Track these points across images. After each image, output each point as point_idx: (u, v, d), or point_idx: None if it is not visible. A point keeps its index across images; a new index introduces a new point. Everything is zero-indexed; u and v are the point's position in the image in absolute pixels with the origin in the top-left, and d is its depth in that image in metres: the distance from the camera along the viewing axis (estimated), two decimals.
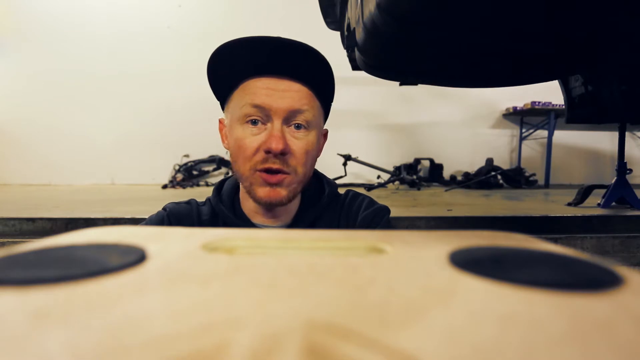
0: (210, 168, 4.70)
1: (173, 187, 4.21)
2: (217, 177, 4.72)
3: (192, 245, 0.20)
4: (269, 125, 0.54)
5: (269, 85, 0.53)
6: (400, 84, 1.99)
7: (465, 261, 0.18)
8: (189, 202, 0.63)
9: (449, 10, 1.07)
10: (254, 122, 0.54)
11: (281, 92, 0.53)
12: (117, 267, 0.16)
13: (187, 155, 4.64)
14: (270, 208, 0.58)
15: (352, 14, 1.41)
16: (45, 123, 4.51)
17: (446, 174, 4.62)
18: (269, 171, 0.54)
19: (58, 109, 4.52)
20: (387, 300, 0.13)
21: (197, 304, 0.13)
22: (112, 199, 2.83)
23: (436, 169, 4.53)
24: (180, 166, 4.56)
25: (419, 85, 1.95)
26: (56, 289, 0.14)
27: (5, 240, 1.66)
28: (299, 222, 0.61)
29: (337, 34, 1.96)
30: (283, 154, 0.53)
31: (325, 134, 0.64)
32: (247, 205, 0.61)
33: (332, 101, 0.61)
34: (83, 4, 4.53)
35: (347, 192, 0.67)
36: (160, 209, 0.62)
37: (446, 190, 3.80)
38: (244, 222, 0.60)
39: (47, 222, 1.79)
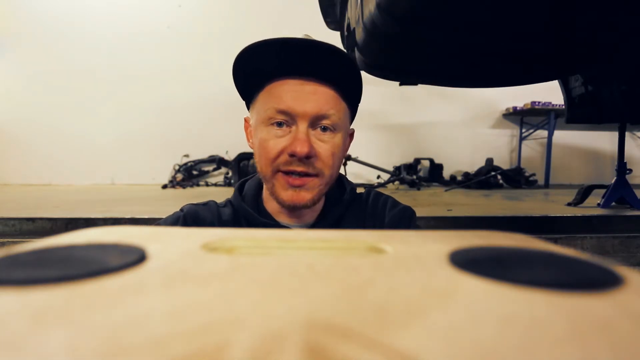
0: (210, 168, 4.70)
1: (173, 187, 4.21)
2: (216, 177, 4.73)
3: (192, 245, 0.20)
4: (293, 128, 0.53)
5: (295, 88, 0.52)
6: (400, 84, 1.98)
7: (465, 261, 0.18)
8: (207, 204, 0.62)
9: (449, 10, 1.07)
10: (279, 124, 0.53)
11: (307, 95, 0.52)
12: (117, 267, 0.16)
13: (187, 155, 4.64)
14: (293, 210, 0.58)
15: (352, 14, 1.41)
16: (45, 123, 4.51)
17: (446, 174, 4.62)
18: (292, 173, 0.54)
19: (58, 109, 4.52)
20: (387, 300, 0.13)
21: (197, 304, 0.13)
22: (112, 199, 2.83)
23: (436, 169, 4.54)
24: (180, 166, 4.56)
25: (419, 85, 1.95)
26: (56, 289, 0.14)
27: (5, 240, 1.66)
28: (322, 220, 0.61)
29: (337, 34, 1.96)
30: (308, 158, 0.53)
31: (351, 134, 0.63)
32: (271, 205, 0.60)
33: (359, 102, 0.60)
34: (83, 4, 4.53)
35: (368, 191, 0.66)
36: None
37: (446, 190, 3.80)
38: (268, 220, 0.59)
39: (47, 222, 1.79)
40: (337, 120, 0.54)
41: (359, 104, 0.62)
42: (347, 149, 0.61)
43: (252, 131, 0.58)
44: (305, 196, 0.54)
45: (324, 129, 0.54)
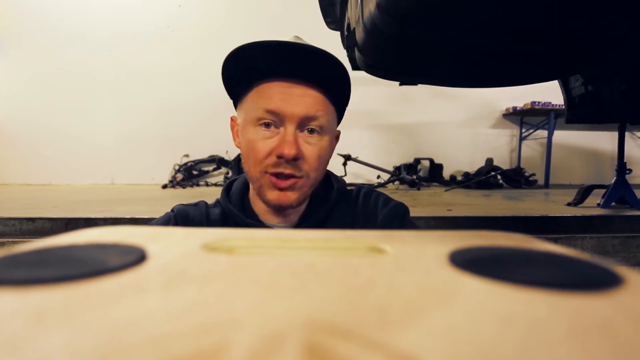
0: (210, 168, 4.70)
1: (173, 187, 4.21)
2: (216, 177, 4.73)
3: (192, 245, 0.20)
4: (281, 129, 0.53)
5: (284, 90, 0.53)
6: (400, 84, 1.98)
7: (465, 261, 0.18)
8: (198, 204, 0.63)
9: (449, 10, 1.07)
10: (267, 125, 0.53)
11: (296, 98, 0.53)
12: (117, 267, 0.16)
13: (187, 155, 4.65)
14: (279, 210, 0.58)
15: (352, 14, 1.41)
16: (45, 123, 4.51)
17: (446, 174, 4.62)
18: (279, 175, 0.54)
19: (58, 109, 4.52)
20: (387, 300, 0.13)
21: (197, 304, 0.13)
22: (112, 199, 2.83)
23: (436, 169, 4.54)
24: (180, 166, 4.56)
25: (419, 85, 1.95)
26: (56, 289, 0.14)
27: (5, 240, 1.66)
28: (307, 220, 0.61)
29: (337, 33, 1.96)
30: (295, 160, 0.53)
31: (337, 136, 0.63)
32: (257, 205, 0.61)
33: (347, 105, 0.61)
34: (83, 4, 4.53)
35: (358, 188, 0.66)
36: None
37: (446, 190, 3.80)
38: (254, 221, 0.60)
39: (47, 222, 1.79)
40: (325, 123, 0.55)
41: (350, 106, 0.62)
42: (332, 151, 0.61)
43: (240, 130, 0.58)
44: (291, 196, 0.55)
45: (311, 131, 0.54)
